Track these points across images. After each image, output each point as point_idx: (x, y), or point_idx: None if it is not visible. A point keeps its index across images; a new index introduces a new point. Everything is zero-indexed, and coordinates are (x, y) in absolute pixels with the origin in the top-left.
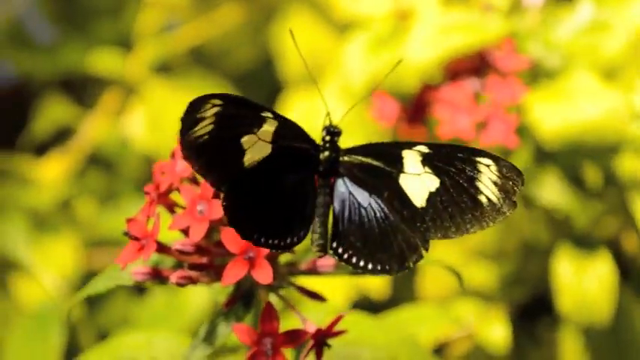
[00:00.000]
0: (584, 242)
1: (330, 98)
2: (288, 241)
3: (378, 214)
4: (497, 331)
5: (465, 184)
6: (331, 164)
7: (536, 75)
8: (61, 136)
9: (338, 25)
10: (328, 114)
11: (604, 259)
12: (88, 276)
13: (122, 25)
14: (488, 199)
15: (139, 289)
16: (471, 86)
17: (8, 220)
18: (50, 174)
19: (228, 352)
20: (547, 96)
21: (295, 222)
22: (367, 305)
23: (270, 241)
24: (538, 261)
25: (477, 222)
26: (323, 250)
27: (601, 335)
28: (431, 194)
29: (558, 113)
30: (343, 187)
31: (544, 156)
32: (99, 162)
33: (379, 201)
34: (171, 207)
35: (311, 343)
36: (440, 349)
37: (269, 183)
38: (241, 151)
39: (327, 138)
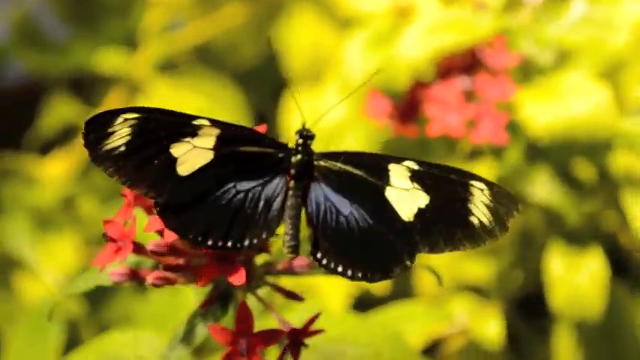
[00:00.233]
0: (576, 238)
1: (331, 95)
2: (246, 242)
3: (361, 223)
4: (491, 327)
5: (457, 205)
6: (304, 168)
7: (529, 72)
8: (66, 134)
9: (342, 22)
10: (304, 121)
11: (595, 254)
12: None
13: (129, 24)
14: (480, 221)
15: (142, 288)
16: (462, 84)
17: (12, 218)
18: (54, 172)
19: (212, 352)
20: (538, 93)
21: (254, 224)
22: (369, 301)
23: (221, 243)
24: (533, 257)
25: (467, 241)
26: (294, 251)
27: (595, 330)
28: (420, 210)
29: (549, 110)
30: (319, 191)
31: (536, 153)
32: None
33: (362, 211)
34: (149, 209)
35: (286, 342)
36: (434, 346)
37: (213, 188)
38: (172, 160)
39: (300, 141)
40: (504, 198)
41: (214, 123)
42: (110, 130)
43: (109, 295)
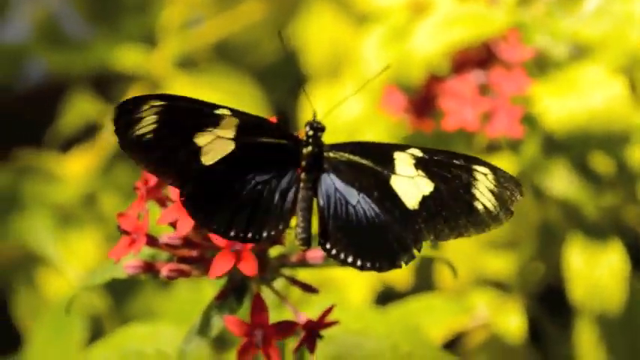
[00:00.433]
0: (596, 232)
1: (349, 91)
2: (264, 234)
3: (368, 213)
4: (513, 321)
5: (461, 190)
6: (314, 159)
7: (544, 66)
8: (88, 132)
9: (359, 18)
10: (314, 112)
11: (615, 248)
12: None
13: (148, 22)
14: (485, 207)
15: (165, 282)
16: (476, 78)
17: (34, 215)
18: (76, 169)
19: (233, 345)
20: (555, 86)
21: (271, 215)
22: (392, 295)
23: (242, 235)
24: (553, 251)
25: (472, 227)
26: (306, 243)
27: (615, 324)
28: (425, 197)
29: (565, 103)
30: (329, 182)
31: (553, 147)
32: (125, 157)
33: (369, 200)
34: (162, 201)
35: (303, 334)
36: (456, 340)
37: (237, 178)
38: (196, 150)
39: (311, 133)
40: (508, 182)
41: (234, 113)
42: (138, 115)
43: (133, 290)
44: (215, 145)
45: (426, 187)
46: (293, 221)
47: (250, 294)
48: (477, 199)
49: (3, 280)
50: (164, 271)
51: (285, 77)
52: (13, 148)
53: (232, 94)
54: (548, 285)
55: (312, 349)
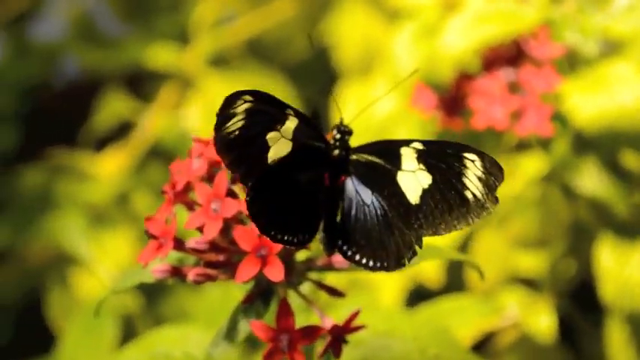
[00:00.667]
0: (626, 230)
1: (381, 88)
2: (301, 238)
3: (378, 212)
4: (543, 321)
5: (453, 180)
6: (341, 163)
7: (575, 63)
8: (121, 130)
9: (391, 14)
10: (341, 116)
11: None
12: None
13: (181, 19)
14: (474, 195)
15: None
16: (506, 76)
17: (67, 215)
18: (109, 168)
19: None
20: (584, 84)
21: (307, 220)
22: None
23: (285, 238)
24: (585, 248)
25: (463, 218)
26: (332, 247)
27: None
28: (424, 191)
29: (595, 101)
30: (351, 185)
31: (583, 145)
32: (158, 155)
33: (380, 199)
34: (190, 205)
35: (329, 338)
36: (486, 339)
37: (288, 180)
38: (266, 148)
39: (338, 137)
40: (492, 166)
41: (296, 113)
42: (232, 111)
43: (165, 290)
44: (279, 145)
45: (425, 180)
46: None
47: (277, 298)
48: (467, 188)
49: (37, 279)
50: (191, 276)
51: (317, 74)
52: (48, 147)
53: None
54: (581, 282)
55: (337, 354)
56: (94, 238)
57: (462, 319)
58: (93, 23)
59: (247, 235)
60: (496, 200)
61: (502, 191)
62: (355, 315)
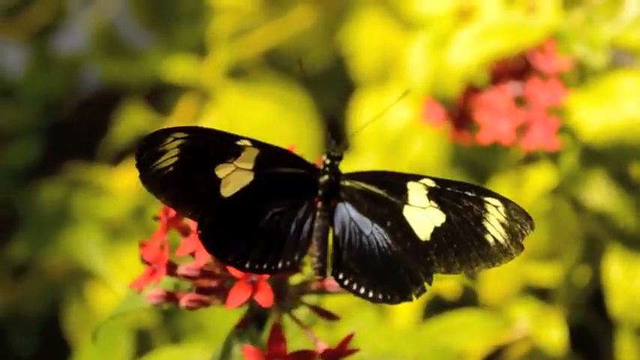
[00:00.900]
0: (635, 243)
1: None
2: (280, 265)
3: (380, 244)
4: (555, 333)
5: (472, 223)
6: (331, 188)
7: (583, 75)
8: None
9: (408, 24)
10: (330, 140)
11: None
12: None
13: (199, 31)
14: (495, 240)
15: None
16: (513, 89)
17: (84, 229)
18: (126, 183)
19: None
20: (591, 96)
21: (287, 246)
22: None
23: (257, 266)
24: (596, 260)
25: (482, 260)
26: (322, 273)
27: None
28: (436, 229)
29: (601, 113)
30: (344, 212)
31: (591, 158)
32: None
33: (382, 230)
34: (185, 231)
35: None
36: (497, 352)
37: (254, 210)
38: (216, 181)
39: (328, 162)
40: (519, 215)
41: (255, 143)
42: (161, 149)
43: None
44: (234, 177)
45: (438, 218)
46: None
47: (271, 322)
48: (488, 232)
49: (55, 294)
50: (183, 302)
51: (335, 84)
52: (68, 160)
53: (283, 102)
54: (594, 293)
55: None
56: (111, 252)
57: (472, 334)
58: (116, 34)
59: None
60: (521, 248)
61: None
62: (349, 338)
